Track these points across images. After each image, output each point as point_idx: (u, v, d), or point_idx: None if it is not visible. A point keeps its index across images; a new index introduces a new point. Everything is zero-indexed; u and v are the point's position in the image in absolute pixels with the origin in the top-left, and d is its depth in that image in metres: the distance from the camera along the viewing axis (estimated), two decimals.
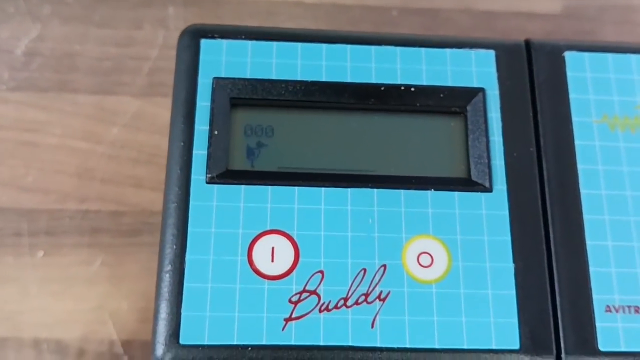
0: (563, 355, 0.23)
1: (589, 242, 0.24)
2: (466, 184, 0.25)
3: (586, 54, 0.26)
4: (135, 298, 0.33)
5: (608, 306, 0.23)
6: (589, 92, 0.26)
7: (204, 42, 0.26)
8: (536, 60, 0.26)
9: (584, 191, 0.24)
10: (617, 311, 0.23)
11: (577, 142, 0.25)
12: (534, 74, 0.26)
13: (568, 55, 0.26)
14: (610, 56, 0.26)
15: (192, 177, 0.24)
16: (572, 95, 0.26)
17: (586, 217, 0.24)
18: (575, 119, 0.25)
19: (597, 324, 0.23)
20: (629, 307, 0.23)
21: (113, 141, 0.36)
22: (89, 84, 0.37)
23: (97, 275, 0.33)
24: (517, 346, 0.23)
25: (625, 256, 0.24)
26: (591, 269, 0.24)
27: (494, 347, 0.23)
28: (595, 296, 0.23)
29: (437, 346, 0.22)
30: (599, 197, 0.24)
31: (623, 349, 0.23)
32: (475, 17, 0.41)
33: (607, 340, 0.23)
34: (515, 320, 0.23)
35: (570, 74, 0.26)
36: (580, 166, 0.25)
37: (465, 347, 0.23)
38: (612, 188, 0.25)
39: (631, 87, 0.26)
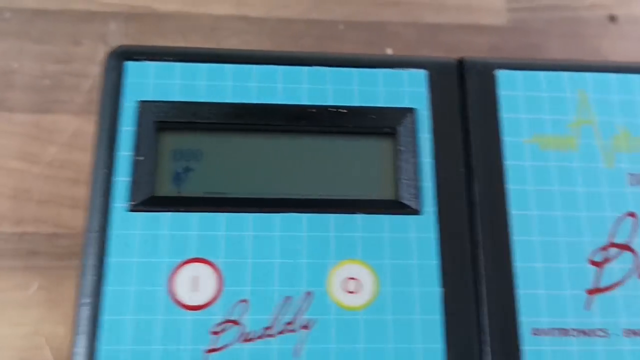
0: None
1: (517, 264, 0.24)
2: (395, 206, 0.24)
3: (519, 72, 0.26)
4: (72, 322, 0.32)
5: (535, 329, 0.23)
6: (520, 111, 0.26)
7: (129, 65, 0.25)
8: (468, 79, 0.26)
9: (513, 212, 0.24)
10: (544, 334, 0.23)
11: (507, 162, 0.25)
12: (466, 93, 0.26)
13: (500, 74, 0.26)
14: (543, 74, 0.26)
15: (114, 205, 0.23)
16: (503, 115, 0.25)
17: (515, 238, 0.24)
18: (505, 138, 0.25)
19: (524, 348, 0.23)
20: (556, 329, 0.23)
21: (51, 161, 0.35)
22: (26, 102, 0.36)
23: (33, 299, 0.32)
24: None
25: (554, 278, 0.24)
26: (519, 291, 0.23)
27: None
28: (522, 319, 0.23)
29: None
30: (528, 217, 0.24)
31: None
32: (421, 31, 0.41)
33: None
34: (440, 345, 0.23)
35: (501, 92, 0.26)
36: (510, 186, 0.25)
37: None
38: (542, 208, 0.24)
39: (563, 106, 0.26)
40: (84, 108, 0.36)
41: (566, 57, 0.41)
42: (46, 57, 0.37)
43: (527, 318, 0.23)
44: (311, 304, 0.23)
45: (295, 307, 0.23)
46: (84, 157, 0.35)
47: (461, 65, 0.26)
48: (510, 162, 0.25)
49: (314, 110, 0.25)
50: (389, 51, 0.40)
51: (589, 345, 0.23)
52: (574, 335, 0.23)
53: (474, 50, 0.42)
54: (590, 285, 0.24)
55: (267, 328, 0.22)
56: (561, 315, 0.23)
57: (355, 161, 0.25)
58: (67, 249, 0.33)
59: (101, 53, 0.38)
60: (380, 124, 0.25)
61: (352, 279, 0.23)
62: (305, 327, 0.23)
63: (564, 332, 0.23)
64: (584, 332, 0.23)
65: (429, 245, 0.24)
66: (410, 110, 0.25)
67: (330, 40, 0.41)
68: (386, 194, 0.25)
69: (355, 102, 0.25)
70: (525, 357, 0.23)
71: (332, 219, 0.24)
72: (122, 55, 0.25)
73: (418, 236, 0.24)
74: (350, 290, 0.23)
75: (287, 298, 0.23)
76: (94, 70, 0.38)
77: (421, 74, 0.26)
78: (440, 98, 0.26)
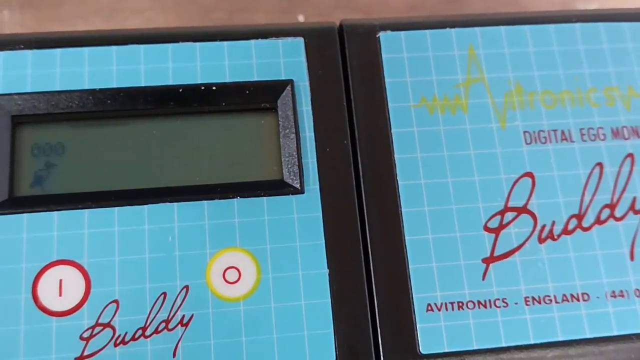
0: None
1: (407, 237, 0.22)
2: (276, 186, 0.23)
3: (402, 33, 0.24)
4: None
5: (429, 304, 0.22)
6: (406, 75, 0.24)
7: None
8: (349, 44, 0.24)
9: (401, 182, 0.23)
10: (439, 309, 0.22)
11: (393, 130, 0.23)
12: (348, 60, 0.24)
13: (383, 36, 0.24)
14: (428, 33, 0.24)
15: None
16: (388, 80, 0.24)
17: (404, 210, 0.23)
18: (391, 105, 0.24)
19: (418, 325, 0.22)
20: (451, 303, 0.22)
21: None
22: None
23: None
24: (333, 358, 0.21)
25: (447, 249, 0.22)
26: (410, 266, 0.22)
27: None
28: (415, 295, 0.22)
29: None
30: (418, 187, 0.23)
31: (446, 349, 0.21)
32: None
33: (428, 342, 0.21)
34: (330, 330, 0.21)
35: (385, 56, 0.24)
36: (397, 156, 0.23)
37: None
38: (433, 176, 0.23)
39: (451, 65, 0.24)
40: None
41: (486, 9, 0.40)
42: None
43: (420, 294, 0.22)
44: (188, 299, 0.21)
45: (171, 303, 0.21)
46: None
47: (341, 30, 0.24)
48: (397, 130, 0.23)
49: (181, 90, 0.23)
50: (301, 18, 0.38)
51: (488, 317, 0.22)
52: (470, 308, 0.22)
53: (390, 11, 0.40)
54: (486, 254, 0.22)
55: (142, 328, 0.21)
56: (457, 287, 0.22)
57: (231, 142, 0.23)
58: None
59: None
60: (256, 99, 0.23)
61: (232, 267, 0.22)
62: (183, 324, 0.21)
63: (460, 305, 0.22)
64: (481, 304, 0.22)
65: (314, 225, 0.22)
66: (287, 82, 0.24)
67: (240, 12, 0.39)
68: (267, 174, 0.23)
69: (228, 78, 0.23)
70: (420, 335, 0.22)
71: (205, 206, 0.22)
72: None
73: (302, 216, 0.22)
74: (230, 281, 0.22)
75: (162, 294, 0.21)
76: None
77: (298, 42, 0.24)
78: (320, 67, 0.24)
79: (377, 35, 0.24)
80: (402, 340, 0.21)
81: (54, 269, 0.21)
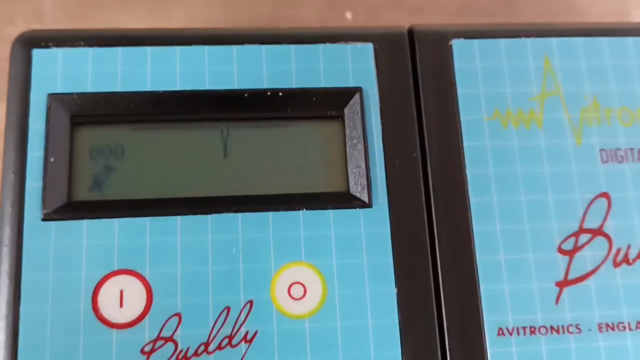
0: None
1: (479, 257, 0.21)
2: (343, 199, 0.22)
3: (476, 41, 0.23)
4: None
5: (501, 329, 0.21)
6: (479, 85, 0.23)
7: (36, 53, 0.22)
8: (420, 51, 0.23)
9: (473, 199, 0.22)
10: (510, 334, 0.21)
11: (465, 144, 0.22)
12: (418, 68, 0.23)
13: (456, 43, 0.23)
14: (503, 42, 0.23)
15: (26, 214, 0.21)
16: (460, 90, 0.23)
17: (476, 228, 0.22)
18: (463, 117, 0.23)
19: (489, 350, 0.21)
20: (523, 328, 0.21)
21: None
22: None
23: None
24: None
25: (520, 270, 0.22)
26: (482, 287, 0.21)
27: None
28: (486, 318, 0.21)
29: None
30: (490, 204, 0.22)
31: None
32: None
33: None
34: (398, 351, 0.21)
35: (457, 65, 0.23)
36: (469, 170, 0.22)
37: None
38: (505, 194, 0.22)
39: (526, 76, 0.23)
40: None
41: (539, 12, 0.39)
42: None
43: (492, 317, 0.21)
44: (252, 314, 0.21)
45: (235, 318, 0.21)
46: None
47: (411, 36, 0.23)
48: (469, 144, 0.22)
49: (247, 95, 0.22)
50: (349, 15, 0.37)
51: (560, 343, 0.21)
52: (543, 334, 0.21)
53: (441, 11, 0.39)
54: (560, 277, 0.22)
55: (204, 344, 0.20)
56: (529, 311, 0.21)
57: (296, 150, 0.22)
58: None
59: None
60: (323, 107, 0.22)
61: (298, 283, 0.21)
62: (247, 340, 0.20)
63: (532, 330, 0.21)
64: (554, 329, 0.21)
65: (382, 241, 0.22)
66: (356, 90, 0.23)
67: (287, 6, 0.38)
68: (333, 186, 0.22)
69: (294, 84, 0.23)
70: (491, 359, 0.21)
71: (271, 217, 0.21)
72: (29, 41, 0.22)
73: (369, 231, 0.22)
74: (296, 297, 0.21)
75: (225, 309, 0.21)
76: None
77: (367, 48, 0.23)
78: (389, 74, 0.23)
79: (450, 43, 0.23)
80: None
81: (115, 279, 0.21)
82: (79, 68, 0.22)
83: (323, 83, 0.23)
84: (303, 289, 0.21)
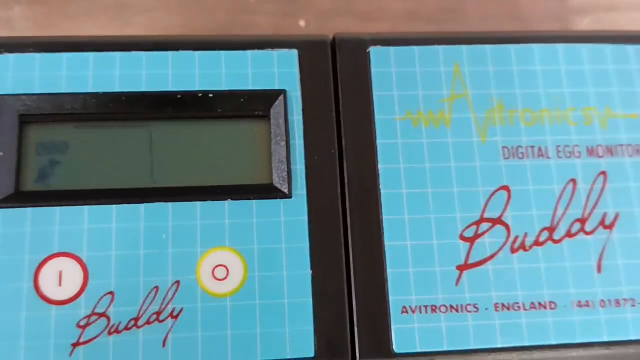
0: (357, 359, 0.23)
1: (387, 243, 0.24)
2: (266, 190, 0.24)
3: (392, 48, 0.26)
4: None
5: (404, 307, 0.23)
6: (393, 88, 0.25)
7: None
8: (340, 57, 0.25)
9: (384, 191, 0.24)
10: (413, 312, 0.23)
11: (378, 141, 0.25)
12: (338, 72, 0.25)
13: (373, 50, 0.26)
14: (417, 49, 0.26)
15: None
16: (376, 93, 0.25)
17: (385, 217, 0.24)
18: (377, 117, 0.25)
19: (393, 326, 0.23)
20: (425, 306, 0.23)
21: None
22: None
23: None
24: (311, 353, 0.23)
25: (424, 255, 0.24)
26: (388, 270, 0.23)
27: (288, 356, 0.23)
28: (391, 298, 0.23)
29: None
30: (399, 196, 0.24)
31: (419, 349, 0.23)
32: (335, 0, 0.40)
33: (402, 342, 0.23)
34: (310, 327, 0.23)
35: (374, 70, 0.25)
36: (381, 165, 0.24)
37: (258, 358, 0.22)
38: (414, 186, 0.24)
39: (437, 80, 0.25)
40: None
41: (483, 18, 0.41)
42: None
43: (396, 296, 0.23)
44: (179, 293, 0.23)
45: (162, 296, 0.23)
46: None
47: (334, 43, 0.26)
48: (382, 141, 0.25)
49: (179, 96, 0.24)
50: (302, 23, 0.40)
51: (459, 320, 0.23)
52: (443, 312, 0.23)
53: (389, 16, 0.41)
54: (460, 261, 0.24)
55: (134, 319, 0.23)
56: (431, 292, 0.23)
57: (225, 146, 0.25)
58: None
59: None
60: (251, 107, 0.25)
61: (221, 265, 0.23)
62: (173, 316, 0.23)
63: (433, 308, 0.23)
64: (453, 308, 0.23)
65: (300, 228, 0.24)
66: (280, 92, 0.25)
67: (243, 13, 0.40)
68: (257, 179, 0.24)
69: (224, 86, 0.25)
70: (395, 335, 0.23)
71: (198, 207, 0.24)
72: None
73: (288, 220, 0.24)
74: (219, 278, 0.23)
75: (154, 288, 0.23)
76: None
77: (292, 54, 0.25)
78: (312, 78, 0.25)
79: (367, 50, 0.25)
80: (378, 339, 0.23)
81: (55, 261, 0.23)
82: (27, 72, 0.24)
83: (251, 85, 0.25)
84: (226, 271, 0.23)
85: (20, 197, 0.23)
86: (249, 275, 0.23)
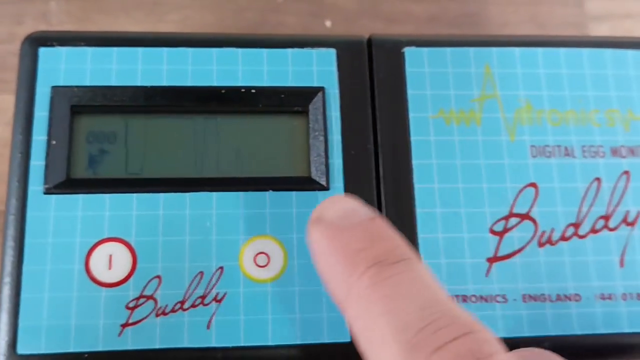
0: None
1: (420, 235, 0.25)
2: (305, 183, 0.25)
3: (425, 50, 0.27)
4: None
5: None
6: (427, 88, 0.26)
7: (42, 51, 0.26)
8: (376, 57, 0.27)
9: (417, 185, 0.25)
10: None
11: (412, 138, 0.26)
12: (374, 71, 0.27)
13: (408, 51, 0.27)
14: (449, 50, 0.27)
15: (30, 188, 0.24)
16: (410, 92, 0.26)
17: (418, 210, 0.25)
18: (411, 115, 0.26)
19: None
20: (456, 296, 0.24)
21: None
22: None
23: None
24: (347, 339, 0.24)
25: (456, 247, 0.25)
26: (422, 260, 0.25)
27: (325, 340, 0.24)
28: None
29: (270, 343, 0.23)
30: (432, 190, 0.25)
31: None
32: (361, 2, 0.41)
33: None
34: None
35: (408, 70, 0.26)
36: (414, 161, 0.26)
37: (297, 342, 0.24)
38: (445, 182, 0.25)
39: (468, 81, 0.27)
40: None
41: (503, 23, 0.42)
42: None
43: None
44: (222, 278, 0.24)
45: (207, 281, 0.24)
46: None
47: (370, 43, 0.27)
48: (416, 138, 0.26)
49: (224, 91, 0.26)
50: (328, 23, 0.41)
51: (488, 310, 0.24)
52: (473, 302, 0.24)
53: (413, 20, 0.42)
54: (490, 254, 0.25)
55: (180, 302, 0.24)
56: (462, 282, 0.25)
57: (266, 140, 0.26)
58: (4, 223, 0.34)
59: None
60: (291, 103, 0.26)
61: (262, 253, 0.24)
62: (217, 300, 0.24)
63: (464, 298, 0.24)
64: (483, 298, 0.25)
65: None
66: (319, 89, 0.26)
67: (270, 13, 0.41)
68: (297, 171, 0.26)
69: (266, 82, 0.26)
70: None
71: (241, 197, 0.25)
72: (36, 41, 0.26)
73: None
74: (260, 264, 0.24)
75: (199, 273, 0.24)
76: None
77: (330, 53, 0.27)
78: (349, 76, 0.26)
79: (402, 51, 0.27)
80: None
81: (105, 245, 0.24)
82: (79, 65, 0.26)
83: (291, 82, 0.26)
84: (267, 258, 0.24)
85: (72, 184, 0.24)
86: (289, 263, 0.24)
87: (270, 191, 0.25)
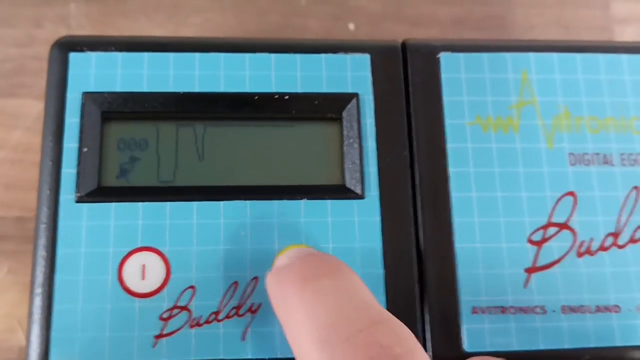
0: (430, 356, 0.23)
1: (457, 245, 0.24)
2: (340, 191, 0.25)
3: (461, 55, 0.26)
4: None
5: (475, 307, 0.24)
6: (463, 94, 0.26)
7: (72, 56, 0.25)
8: (411, 62, 0.26)
9: (454, 194, 0.25)
10: (483, 312, 0.24)
11: (449, 145, 0.25)
12: (409, 77, 0.26)
13: (443, 56, 0.26)
14: (485, 56, 0.26)
15: (61, 196, 0.24)
16: (446, 98, 0.26)
17: (456, 219, 0.25)
18: (447, 121, 0.26)
19: (464, 326, 0.24)
20: (494, 307, 0.24)
21: (16, 145, 0.35)
22: None
23: (3, 283, 0.33)
24: None
25: (493, 257, 0.24)
26: (459, 271, 0.24)
27: None
28: (462, 298, 0.24)
29: None
30: (469, 199, 0.25)
31: (489, 349, 0.24)
32: (385, 4, 0.41)
33: (473, 342, 0.24)
34: None
35: (444, 75, 0.26)
36: (451, 169, 0.25)
37: None
38: (483, 190, 0.25)
39: (505, 87, 0.26)
40: None
41: (528, 26, 0.41)
42: (8, 41, 0.37)
43: (467, 297, 0.24)
44: (257, 289, 0.24)
45: (242, 292, 0.23)
46: None
47: (404, 49, 0.26)
48: (452, 145, 0.25)
49: (257, 98, 0.25)
50: (351, 26, 0.40)
51: (527, 321, 0.24)
52: (512, 313, 0.24)
53: (437, 22, 0.42)
54: (528, 264, 0.24)
55: (215, 313, 0.23)
56: (500, 294, 0.24)
57: (300, 147, 0.25)
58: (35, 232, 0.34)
59: (62, 36, 0.38)
60: (324, 109, 0.25)
61: None
62: (252, 311, 0.23)
63: (502, 309, 0.24)
64: (522, 310, 0.24)
65: (373, 228, 0.24)
66: (353, 95, 0.26)
67: (293, 16, 0.40)
68: (331, 179, 0.25)
69: (299, 88, 0.26)
70: (465, 335, 0.24)
71: (276, 205, 0.24)
72: (66, 46, 0.25)
73: (362, 220, 0.24)
74: None
75: (234, 283, 0.23)
76: None
77: (364, 59, 0.26)
78: (383, 82, 0.26)
79: (438, 56, 0.26)
80: (449, 338, 0.24)
81: (138, 255, 0.23)
82: (110, 70, 0.25)
83: (324, 88, 0.26)
84: None
85: (104, 192, 0.24)
86: None
87: (305, 200, 0.24)
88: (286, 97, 0.25)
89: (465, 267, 0.24)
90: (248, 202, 0.24)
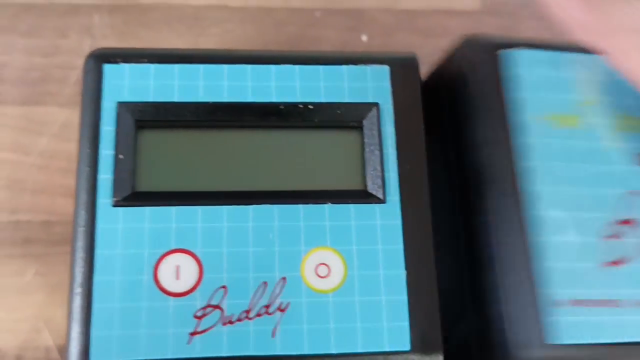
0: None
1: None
2: (362, 196, 0.26)
3: (525, 52, 0.27)
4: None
5: (556, 300, 0.24)
6: (533, 90, 0.26)
7: (107, 67, 0.26)
8: (471, 58, 0.27)
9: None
10: (564, 305, 0.24)
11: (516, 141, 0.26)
12: (467, 74, 0.27)
13: (502, 54, 0.27)
14: (547, 54, 0.27)
15: (99, 201, 0.25)
16: (513, 94, 0.26)
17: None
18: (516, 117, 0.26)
19: (549, 318, 0.24)
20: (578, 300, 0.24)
21: (42, 151, 0.36)
22: (16, 95, 0.37)
23: (30, 285, 0.34)
24: (407, 347, 0.24)
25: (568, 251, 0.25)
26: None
27: (386, 349, 0.24)
28: (541, 291, 0.24)
29: (333, 351, 0.24)
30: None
31: (576, 341, 0.24)
32: (398, 16, 0.42)
33: (558, 333, 0.24)
34: (406, 323, 0.25)
35: (510, 72, 0.27)
36: (528, 163, 0.26)
37: (359, 350, 0.24)
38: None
39: (571, 85, 0.26)
40: (72, 100, 0.38)
41: (539, 33, 0.43)
42: (34, 51, 0.39)
43: (547, 290, 0.24)
44: (285, 288, 0.25)
45: (271, 291, 0.25)
46: (74, 147, 0.37)
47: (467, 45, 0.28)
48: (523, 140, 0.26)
49: (282, 107, 0.26)
50: (364, 38, 0.42)
51: (612, 314, 0.24)
52: (595, 305, 0.24)
53: (449, 34, 0.43)
54: (601, 260, 0.25)
55: (246, 311, 0.24)
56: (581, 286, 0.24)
57: (323, 154, 0.27)
58: (61, 236, 0.35)
59: (87, 45, 0.39)
60: (347, 118, 0.27)
61: (323, 264, 0.25)
62: (281, 309, 0.25)
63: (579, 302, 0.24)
64: (607, 302, 0.24)
65: (394, 231, 0.26)
66: (374, 105, 0.27)
67: (309, 27, 0.42)
68: (353, 185, 0.26)
69: (322, 98, 0.27)
70: (550, 327, 0.24)
71: (301, 209, 0.26)
72: (100, 57, 0.27)
73: (383, 223, 0.26)
74: (321, 275, 0.25)
75: (263, 283, 0.25)
76: (81, 63, 0.39)
77: (384, 69, 0.27)
78: (402, 92, 0.27)
79: (497, 53, 0.27)
80: (532, 331, 0.24)
81: (172, 256, 0.25)
82: (143, 81, 0.26)
83: (346, 98, 0.27)
84: (328, 269, 0.25)
85: (139, 197, 0.25)
86: (349, 274, 0.25)
87: (329, 204, 0.26)
88: (310, 107, 0.27)
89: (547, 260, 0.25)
90: (275, 206, 0.26)
